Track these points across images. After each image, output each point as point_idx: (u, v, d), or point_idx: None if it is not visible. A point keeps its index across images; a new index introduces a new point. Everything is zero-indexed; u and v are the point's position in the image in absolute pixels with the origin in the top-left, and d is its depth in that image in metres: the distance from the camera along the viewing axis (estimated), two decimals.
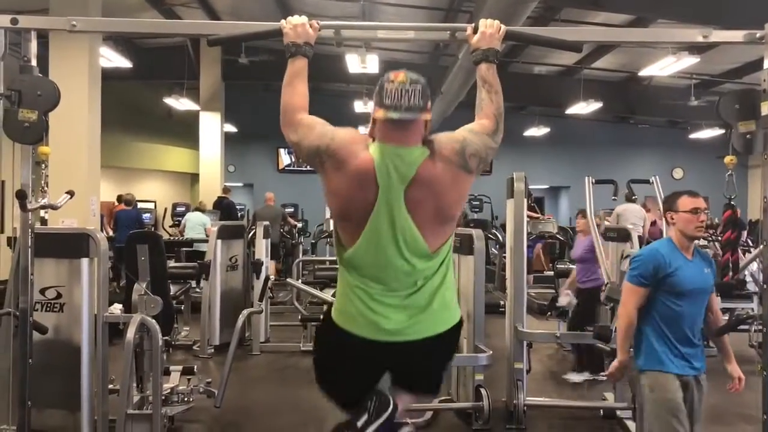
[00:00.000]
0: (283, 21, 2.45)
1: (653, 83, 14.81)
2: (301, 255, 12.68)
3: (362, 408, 2.22)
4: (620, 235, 6.31)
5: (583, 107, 14.26)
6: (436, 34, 3.02)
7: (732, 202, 3.02)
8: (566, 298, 6.22)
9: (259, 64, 13.01)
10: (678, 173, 18.07)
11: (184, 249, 10.71)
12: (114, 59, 10.50)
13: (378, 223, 2.17)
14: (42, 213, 3.08)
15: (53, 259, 4.11)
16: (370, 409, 2.21)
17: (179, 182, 18.28)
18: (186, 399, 4.70)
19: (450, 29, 2.77)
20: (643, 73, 12.40)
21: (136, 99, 15.90)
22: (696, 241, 3.20)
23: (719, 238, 7.21)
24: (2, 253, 8.15)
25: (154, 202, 15.59)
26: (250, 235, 7.99)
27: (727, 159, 2.91)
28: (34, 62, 2.86)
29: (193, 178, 17.13)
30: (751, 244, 9.34)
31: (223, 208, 12.74)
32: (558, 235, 11.02)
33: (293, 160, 18.23)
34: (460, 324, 2.35)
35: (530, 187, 5.48)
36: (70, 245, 4.15)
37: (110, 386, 4.26)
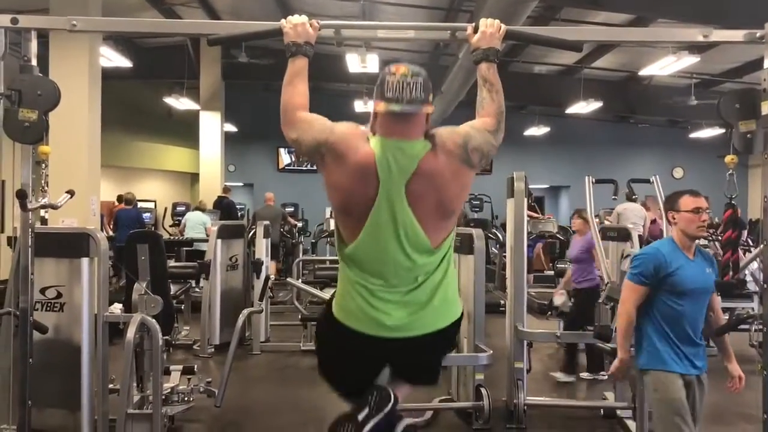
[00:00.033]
0: (283, 20, 2.45)
1: (653, 83, 14.81)
2: (301, 254, 12.68)
3: (363, 402, 2.23)
4: (620, 234, 6.32)
5: (583, 107, 14.27)
6: (437, 34, 3.01)
7: (732, 202, 3.02)
8: (560, 298, 6.23)
9: (259, 63, 13.02)
10: (678, 173, 18.07)
11: (185, 248, 10.71)
12: (114, 59, 10.50)
13: (379, 218, 2.17)
14: (42, 212, 3.08)
15: (53, 259, 4.10)
16: (371, 403, 2.22)
17: (179, 182, 18.29)
18: (186, 398, 4.70)
19: (450, 29, 2.77)
20: (643, 72, 12.40)
21: (136, 98, 15.91)
22: (697, 241, 3.20)
23: (719, 237, 7.21)
24: (2, 252, 8.15)
25: (155, 201, 15.59)
26: (251, 234, 7.99)
27: (728, 158, 2.91)
28: (34, 62, 2.86)
29: (193, 177, 17.13)
30: (751, 243, 9.34)
31: (223, 207, 12.74)
32: (558, 235, 11.03)
33: (293, 159, 18.25)
34: (461, 317, 2.36)
35: (530, 186, 5.48)
36: (71, 245, 4.14)
37: (110, 386, 4.26)
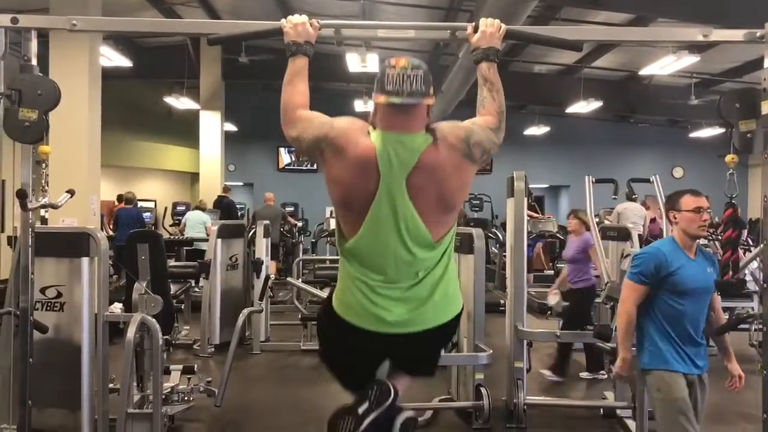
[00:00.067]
0: (283, 20, 2.45)
1: (653, 82, 14.81)
2: (301, 254, 12.69)
3: (363, 395, 2.24)
4: (620, 233, 6.31)
5: (584, 106, 14.27)
6: (437, 33, 3.01)
7: (733, 201, 3.02)
8: (554, 298, 6.23)
9: (259, 63, 13.02)
10: (678, 172, 18.08)
11: (185, 248, 10.72)
12: (114, 58, 10.50)
13: (379, 212, 2.16)
14: (42, 212, 3.08)
15: (54, 259, 4.10)
16: (371, 397, 2.23)
17: (179, 181, 18.29)
18: (186, 398, 4.70)
19: (450, 28, 2.77)
20: (644, 72, 12.41)
21: (136, 98, 15.91)
22: (697, 240, 3.20)
23: (719, 237, 7.21)
24: (3, 252, 8.14)
25: (155, 201, 15.59)
26: (251, 234, 7.99)
27: (728, 158, 2.91)
28: (34, 61, 2.86)
29: (194, 177, 17.14)
30: (751, 243, 9.34)
31: (223, 207, 12.75)
32: (558, 234, 11.03)
33: (293, 159, 18.26)
34: (461, 312, 2.36)
35: (530, 186, 5.48)
36: (71, 244, 4.14)
37: (111, 385, 4.26)
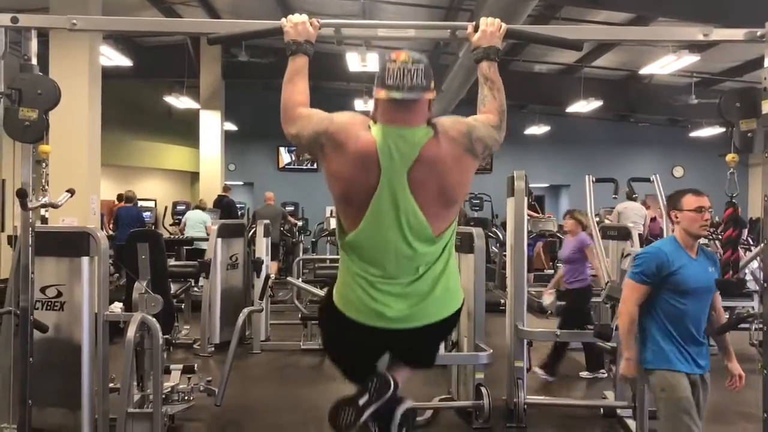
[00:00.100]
0: (283, 19, 2.45)
1: (653, 81, 14.81)
2: (301, 253, 12.68)
3: (364, 388, 2.25)
4: (620, 233, 6.32)
5: (584, 105, 14.27)
6: (437, 33, 3.01)
7: (733, 200, 3.02)
8: (549, 298, 6.23)
9: (259, 62, 13.02)
10: (678, 171, 18.07)
11: (185, 247, 10.72)
12: (114, 58, 10.50)
13: (380, 206, 2.16)
14: (42, 211, 3.08)
15: (54, 258, 4.10)
16: (371, 389, 2.24)
17: (179, 181, 18.30)
18: (186, 398, 4.70)
19: (451, 27, 2.77)
20: (644, 71, 12.41)
21: (136, 97, 15.91)
22: (698, 240, 3.20)
23: (720, 236, 7.21)
24: (3, 251, 8.15)
25: (155, 200, 15.60)
26: (251, 233, 7.99)
27: (729, 157, 2.91)
28: (34, 61, 2.86)
29: (194, 176, 17.15)
30: (751, 242, 9.34)
31: (224, 206, 12.75)
32: (558, 234, 11.01)
33: (293, 158, 18.27)
34: (461, 307, 2.36)
35: (530, 185, 5.48)
36: (71, 244, 4.14)
37: (111, 385, 4.26)
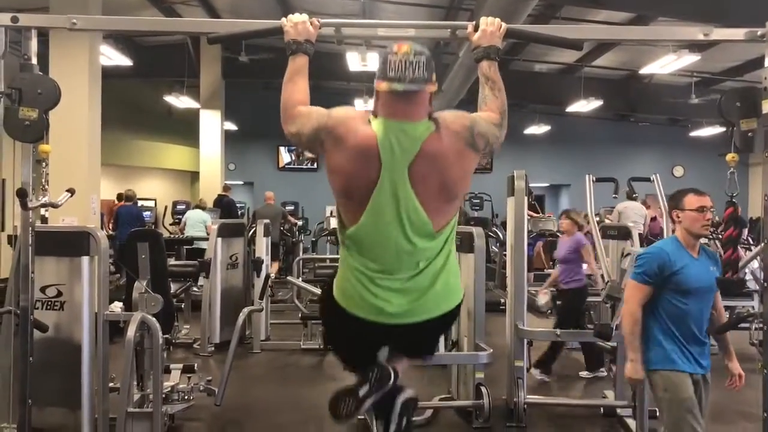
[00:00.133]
0: (284, 19, 2.45)
1: (654, 81, 14.81)
2: (301, 253, 12.68)
3: (364, 378, 2.26)
4: (621, 232, 6.32)
5: (584, 105, 14.27)
6: (437, 32, 3.00)
7: (733, 200, 3.02)
8: (544, 298, 6.23)
9: (259, 62, 13.01)
10: (678, 171, 18.08)
11: (185, 247, 10.72)
12: (114, 57, 10.50)
13: (381, 201, 2.15)
14: (42, 211, 3.08)
15: (54, 258, 4.10)
16: (371, 380, 2.25)
17: (179, 180, 18.30)
18: (186, 397, 4.70)
19: (451, 27, 2.77)
20: (644, 71, 12.40)
21: (136, 97, 15.91)
22: (700, 239, 3.20)
23: (720, 236, 7.22)
24: (3, 251, 8.15)
25: (155, 200, 15.60)
26: (251, 233, 7.99)
27: (729, 156, 2.91)
28: (34, 60, 2.86)
29: (194, 176, 17.15)
30: (751, 242, 9.35)
31: (224, 206, 12.75)
32: (558, 233, 11.00)
33: (293, 158, 18.27)
34: (461, 301, 2.36)
35: (531, 185, 5.48)
36: (71, 243, 4.14)
37: (111, 384, 4.26)
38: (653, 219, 9.64)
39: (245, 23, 2.79)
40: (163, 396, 4.29)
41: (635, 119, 17.84)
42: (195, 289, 8.05)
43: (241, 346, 6.32)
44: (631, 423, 4.65)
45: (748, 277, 6.29)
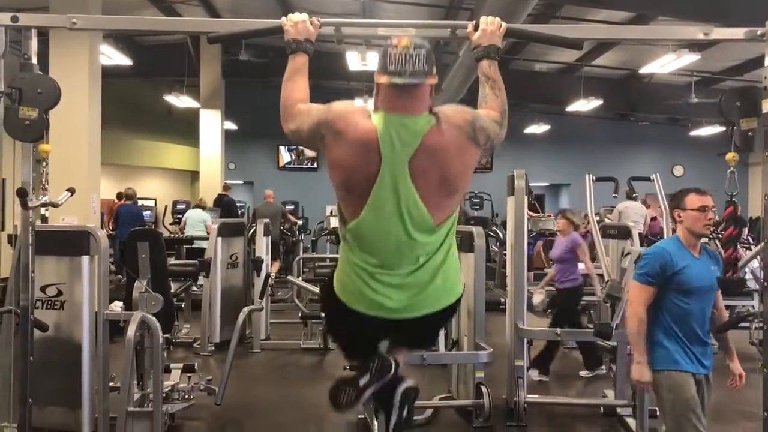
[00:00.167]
0: (283, 18, 2.45)
1: (654, 80, 14.81)
2: (301, 252, 12.68)
3: (365, 368, 2.26)
4: (621, 232, 6.32)
5: (584, 104, 14.26)
6: (437, 32, 3.00)
7: (733, 199, 3.02)
8: (538, 297, 6.24)
9: (259, 61, 13.01)
10: (678, 170, 18.08)
11: (185, 246, 10.72)
12: (114, 57, 10.50)
13: (381, 195, 2.14)
14: (42, 210, 3.08)
15: (54, 257, 4.11)
16: (372, 370, 2.25)
17: (179, 179, 18.30)
18: (187, 396, 4.71)
19: (451, 26, 2.76)
20: (644, 70, 12.40)
21: (136, 96, 15.91)
22: (701, 239, 3.20)
23: (719, 235, 7.21)
24: (3, 250, 8.15)
25: (155, 199, 15.60)
26: (251, 232, 7.99)
27: (729, 156, 2.91)
28: (34, 60, 2.85)
29: (194, 175, 17.14)
30: (751, 241, 9.35)
31: (224, 205, 12.75)
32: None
33: (294, 157, 18.27)
34: (461, 296, 2.37)
35: (531, 184, 5.48)
36: (71, 243, 4.15)
37: (111, 384, 4.27)
38: (653, 219, 9.64)
39: (245, 22, 2.79)
40: (164, 395, 4.29)
41: (635, 119, 17.83)
42: (195, 288, 8.05)
43: (241, 346, 6.33)
44: (631, 422, 4.65)
45: (748, 276, 6.30)
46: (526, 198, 5.16)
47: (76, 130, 7.62)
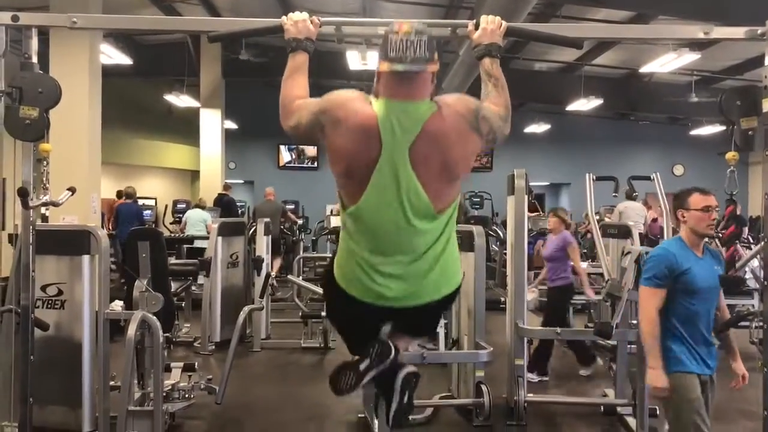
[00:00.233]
0: (284, 17, 2.45)
1: (654, 80, 14.80)
2: (301, 252, 12.69)
3: (365, 354, 2.27)
4: (621, 231, 6.32)
5: (584, 104, 14.26)
6: (438, 31, 2.99)
7: (733, 198, 3.02)
8: (530, 295, 6.25)
9: (259, 61, 13.01)
10: (678, 170, 18.08)
11: (185, 246, 10.72)
12: (114, 56, 10.50)
13: (381, 182, 2.14)
14: (43, 210, 3.08)
15: (54, 256, 4.12)
16: (372, 355, 2.26)
17: (180, 179, 18.30)
18: (187, 396, 4.71)
19: (451, 25, 2.76)
20: (644, 69, 12.40)
21: (136, 96, 15.91)
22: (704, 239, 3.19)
23: (720, 234, 7.21)
24: (4, 250, 8.15)
25: (155, 198, 15.60)
26: (251, 231, 7.99)
27: (729, 155, 2.91)
28: (35, 59, 2.85)
29: (194, 174, 17.15)
30: (752, 240, 9.35)
31: (224, 205, 12.75)
32: None
33: (294, 157, 18.27)
34: (461, 284, 2.37)
35: (531, 183, 5.48)
36: (72, 242, 4.16)
37: (111, 383, 4.27)
38: (654, 220, 9.64)
39: (245, 21, 2.79)
40: (164, 394, 4.29)
41: (635, 118, 17.84)
42: (195, 288, 8.06)
43: (241, 345, 6.33)
44: (631, 421, 4.65)
45: (749, 275, 6.30)
46: (526, 197, 5.16)
47: (77, 130, 7.62)
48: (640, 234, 7.70)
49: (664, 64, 10.91)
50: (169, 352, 5.34)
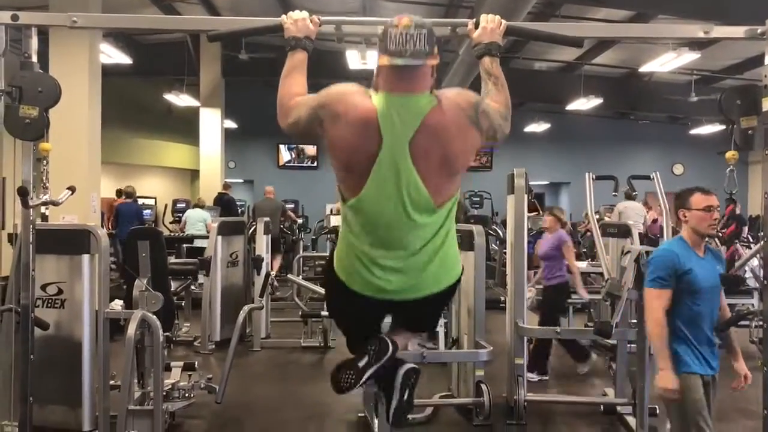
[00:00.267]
0: (284, 16, 2.45)
1: (654, 79, 14.80)
2: (301, 251, 12.69)
3: (364, 351, 2.28)
4: (621, 230, 6.33)
5: (584, 103, 14.26)
6: (437, 30, 2.98)
7: (733, 197, 3.02)
8: (529, 294, 6.25)
9: (259, 60, 13.00)
10: (678, 169, 18.08)
11: (185, 245, 10.72)
12: (114, 55, 10.50)
13: (381, 175, 2.13)
14: (43, 209, 3.08)
15: (54, 256, 4.12)
16: (370, 352, 2.27)
17: (179, 178, 18.29)
18: (187, 395, 4.71)
19: (451, 25, 2.76)
20: (644, 69, 12.39)
21: (136, 95, 15.90)
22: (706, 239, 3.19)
23: (720, 233, 7.22)
24: (3, 249, 8.15)
25: (155, 198, 15.60)
26: (251, 231, 7.99)
27: (729, 154, 2.90)
28: (34, 58, 2.85)
29: (194, 174, 17.14)
30: (751, 240, 9.36)
31: (224, 204, 12.75)
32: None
33: (293, 156, 18.27)
34: (461, 277, 2.37)
35: (530, 183, 5.49)
36: (71, 241, 4.15)
37: (111, 382, 4.27)
38: (654, 221, 9.65)
39: (245, 21, 2.79)
40: (164, 394, 4.29)
41: (635, 117, 17.84)
42: (195, 287, 8.06)
43: (241, 344, 6.33)
44: (631, 420, 4.65)
45: (748, 275, 6.30)
46: (526, 196, 5.16)
47: (77, 129, 7.62)
48: (639, 233, 7.70)
49: (664, 64, 10.91)
50: (169, 351, 5.34)
